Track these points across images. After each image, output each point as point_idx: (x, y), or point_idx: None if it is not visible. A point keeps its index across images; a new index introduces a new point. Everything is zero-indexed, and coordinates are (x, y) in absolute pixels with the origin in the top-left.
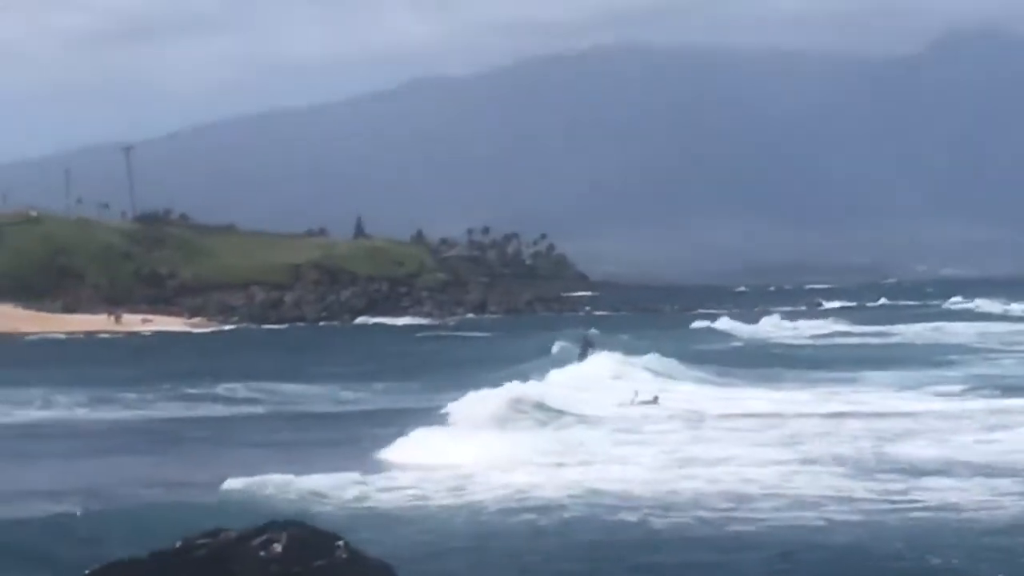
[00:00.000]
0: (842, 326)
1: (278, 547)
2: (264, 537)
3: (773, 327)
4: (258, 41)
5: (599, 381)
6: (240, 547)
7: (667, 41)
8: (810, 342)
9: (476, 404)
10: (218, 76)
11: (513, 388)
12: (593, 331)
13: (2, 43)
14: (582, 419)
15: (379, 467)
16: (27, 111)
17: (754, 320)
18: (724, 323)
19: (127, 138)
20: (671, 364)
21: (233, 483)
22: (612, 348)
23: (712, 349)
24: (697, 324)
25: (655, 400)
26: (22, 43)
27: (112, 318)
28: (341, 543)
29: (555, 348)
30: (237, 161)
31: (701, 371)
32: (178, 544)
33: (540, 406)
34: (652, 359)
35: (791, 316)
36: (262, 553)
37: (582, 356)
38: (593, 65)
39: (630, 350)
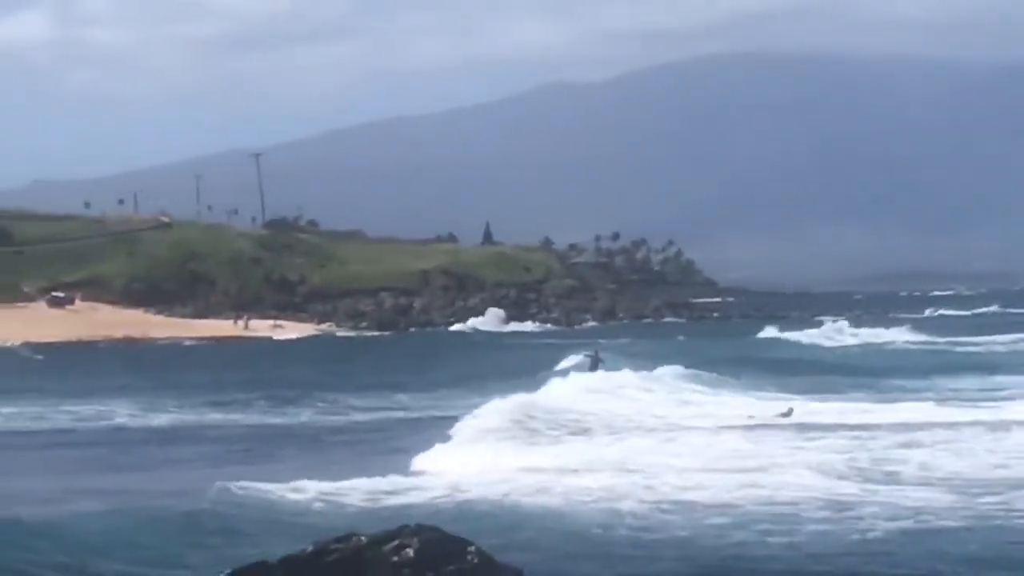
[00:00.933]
0: (908, 336)
1: (410, 552)
2: (396, 542)
3: (818, 337)
4: (385, 47)
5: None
6: (372, 552)
7: (792, 46)
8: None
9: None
10: (345, 82)
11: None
12: (601, 342)
13: (132, 52)
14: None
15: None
16: (157, 118)
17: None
18: (784, 332)
19: (255, 144)
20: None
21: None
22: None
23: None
24: (763, 334)
25: (789, 412)
26: (151, 51)
27: (239, 323)
28: (472, 548)
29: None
30: (365, 167)
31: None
32: (310, 548)
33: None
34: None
35: (863, 323)
36: (395, 558)
37: (592, 369)
38: (720, 71)
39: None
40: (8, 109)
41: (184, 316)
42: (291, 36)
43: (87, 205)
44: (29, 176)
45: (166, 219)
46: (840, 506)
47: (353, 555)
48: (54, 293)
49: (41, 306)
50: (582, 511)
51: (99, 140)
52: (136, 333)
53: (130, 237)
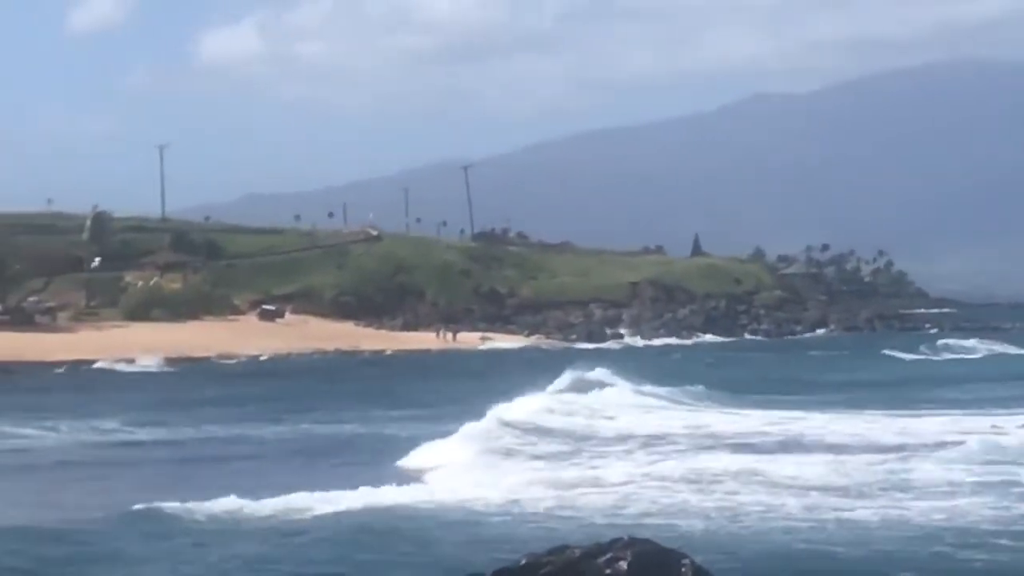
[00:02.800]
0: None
1: (623, 564)
2: (609, 555)
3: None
4: (593, 58)
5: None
6: (586, 564)
7: (1004, 55)
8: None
9: None
10: (553, 94)
11: None
12: None
13: (341, 65)
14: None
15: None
16: (367, 131)
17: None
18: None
19: (464, 156)
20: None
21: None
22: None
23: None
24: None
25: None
26: (361, 65)
27: (444, 335)
28: (687, 561)
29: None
30: (572, 179)
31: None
32: (523, 562)
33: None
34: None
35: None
36: (608, 571)
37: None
38: (930, 80)
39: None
40: (220, 123)
41: (393, 329)
42: (500, 48)
43: (297, 218)
44: (241, 190)
45: (375, 232)
46: None
47: (565, 568)
48: (264, 306)
49: (252, 319)
50: (763, 527)
51: (309, 153)
52: (346, 346)
53: (339, 250)
